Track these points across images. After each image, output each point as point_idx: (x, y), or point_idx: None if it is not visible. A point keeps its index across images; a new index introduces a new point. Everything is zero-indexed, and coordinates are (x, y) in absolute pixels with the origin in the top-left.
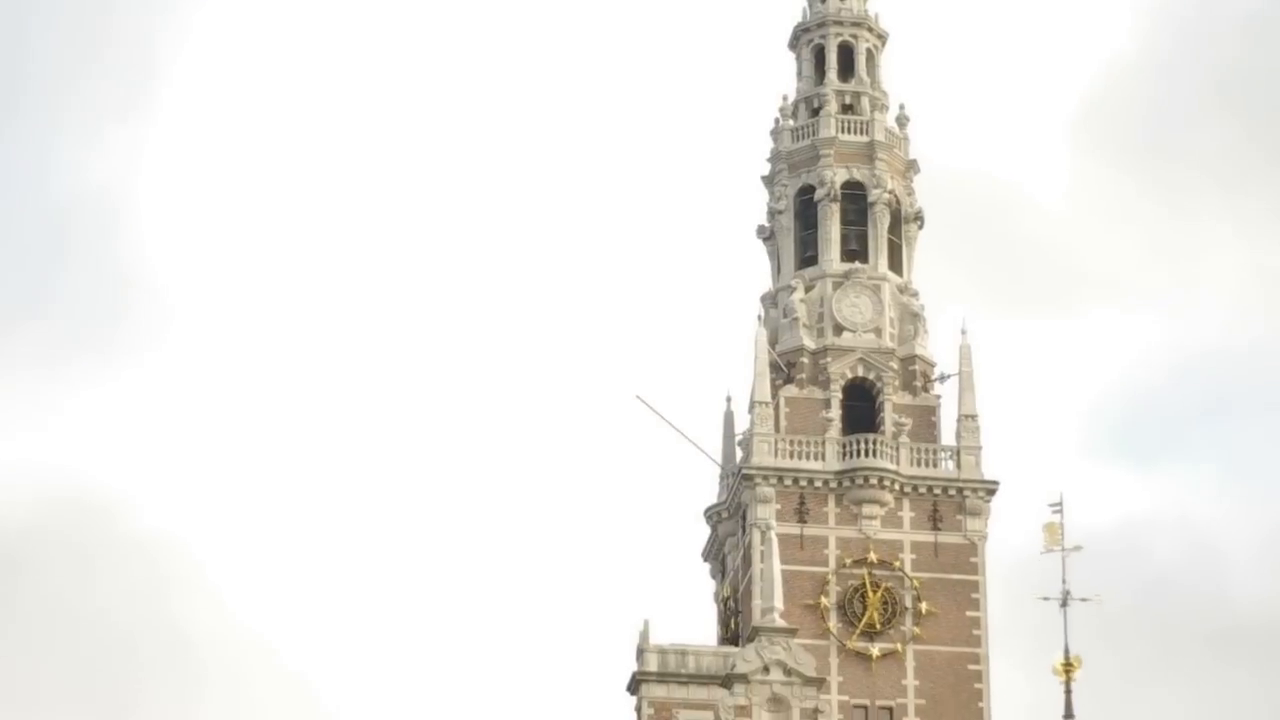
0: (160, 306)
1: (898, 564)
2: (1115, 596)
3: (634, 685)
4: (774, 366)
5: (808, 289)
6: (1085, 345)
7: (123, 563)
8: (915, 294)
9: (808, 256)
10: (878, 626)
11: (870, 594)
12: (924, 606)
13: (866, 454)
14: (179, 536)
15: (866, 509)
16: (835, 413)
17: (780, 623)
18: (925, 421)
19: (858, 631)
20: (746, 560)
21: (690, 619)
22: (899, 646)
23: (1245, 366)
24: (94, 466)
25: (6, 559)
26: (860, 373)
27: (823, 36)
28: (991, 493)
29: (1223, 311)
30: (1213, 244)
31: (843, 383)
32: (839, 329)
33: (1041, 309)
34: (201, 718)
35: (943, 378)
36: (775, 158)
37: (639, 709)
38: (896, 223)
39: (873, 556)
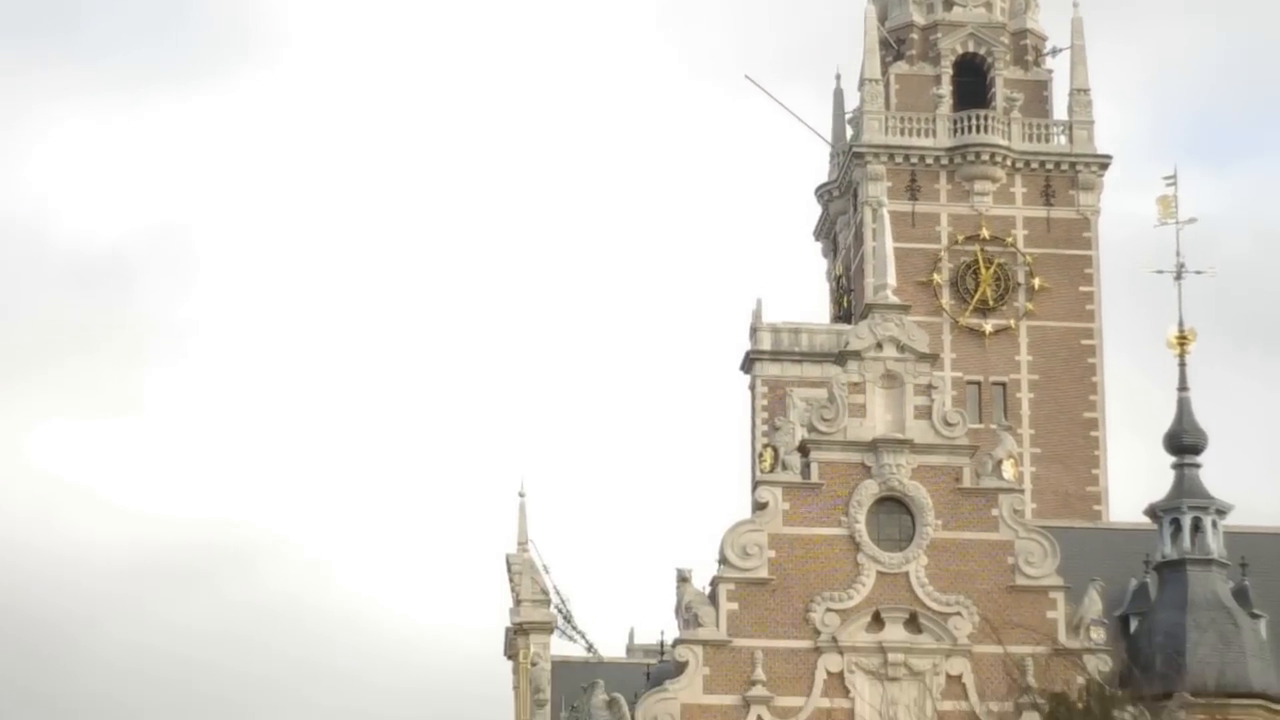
0: (279, 33)
1: (1010, 240)
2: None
3: (747, 363)
4: (883, 43)
5: None
6: (1153, 49)
7: (216, 282)
8: None
9: None
10: (990, 303)
11: (983, 270)
12: (1037, 282)
13: (978, 130)
14: (264, 257)
15: (978, 185)
16: (946, 88)
17: (893, 299)
18: (1037, 96)
19: (970, 308)
20: (858, 238)
21: (802, 297)
22: (1012, 322)
23: None
24: (183, 191)
25: (104, 277)
26: (971, 48)
27: None
28: (1104, 167)
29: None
30: None
31: (953, 58)
32: (949, 4)
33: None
34: (281, 423)
35: (1054, 51)
36: None
37: (752, 387)
38: None
39: (985, 232)
